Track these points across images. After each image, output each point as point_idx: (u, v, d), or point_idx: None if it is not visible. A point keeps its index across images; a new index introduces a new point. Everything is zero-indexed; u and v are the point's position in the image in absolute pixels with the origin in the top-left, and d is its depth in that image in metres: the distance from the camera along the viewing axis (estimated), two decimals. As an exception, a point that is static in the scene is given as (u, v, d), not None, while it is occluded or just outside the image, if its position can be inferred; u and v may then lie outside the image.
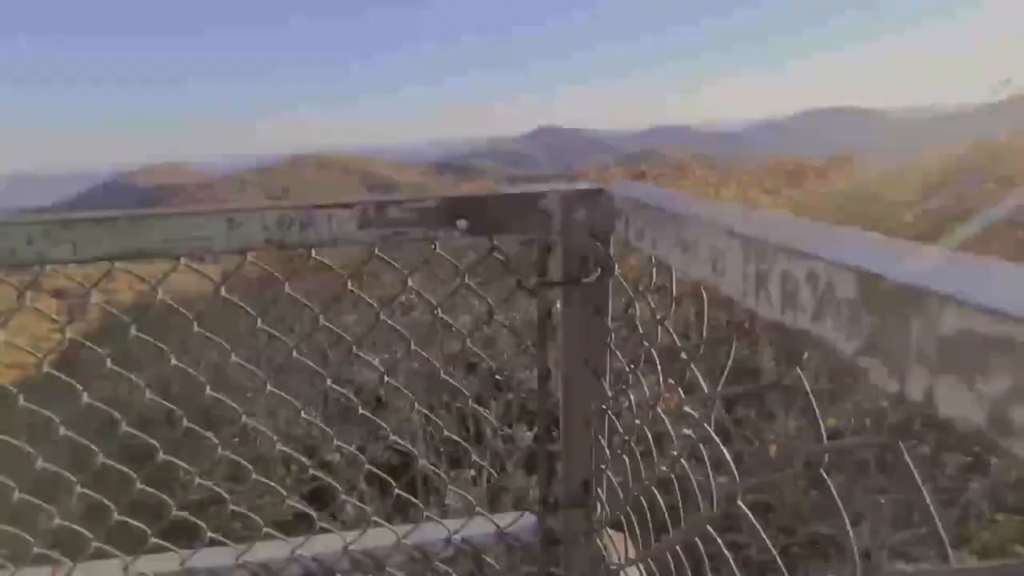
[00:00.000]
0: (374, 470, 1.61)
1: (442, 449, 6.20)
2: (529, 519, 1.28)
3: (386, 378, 1.52)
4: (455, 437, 1.62)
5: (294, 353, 1.44)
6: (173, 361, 1.50)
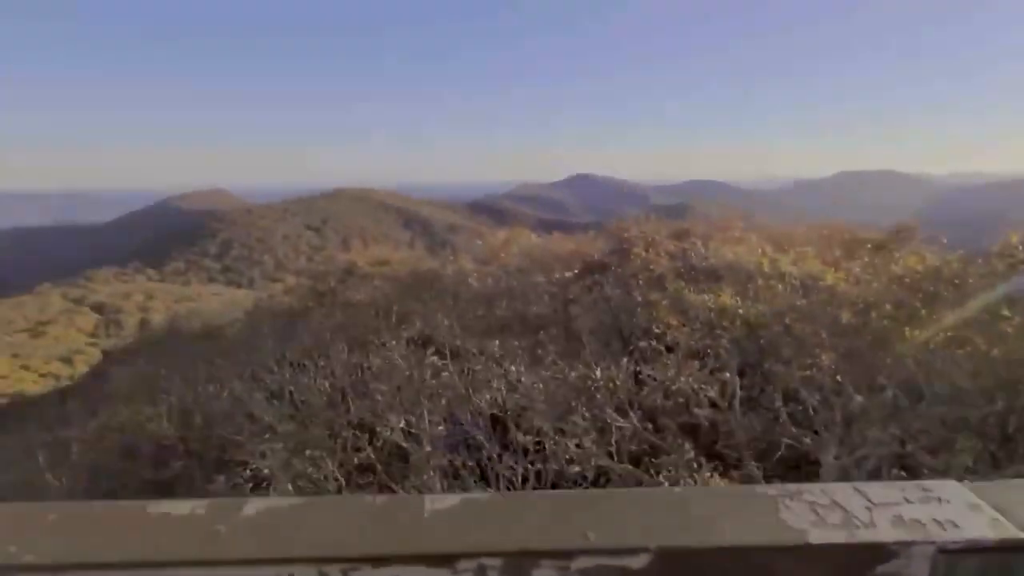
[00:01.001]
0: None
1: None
2: None
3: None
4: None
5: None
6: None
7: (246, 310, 25.27)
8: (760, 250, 7.65)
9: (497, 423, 5.65)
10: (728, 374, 6.51)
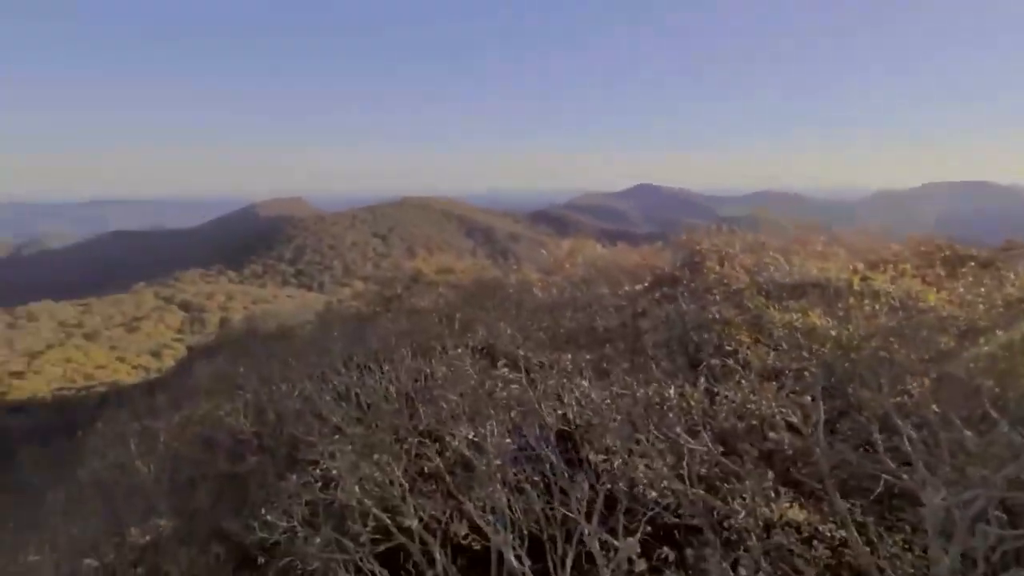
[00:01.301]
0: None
1: (526, 532, 5.67)
2: None
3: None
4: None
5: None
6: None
7: (317, 313, 26.42)
8: (851, 267, 7.09)
9: (564, 438, 5.51)
10: (811, 397, 6.06)
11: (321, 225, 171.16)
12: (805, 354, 5.60)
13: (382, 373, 10.85)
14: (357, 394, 10.84)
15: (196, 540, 9.03)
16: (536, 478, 5.19)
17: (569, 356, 6.14)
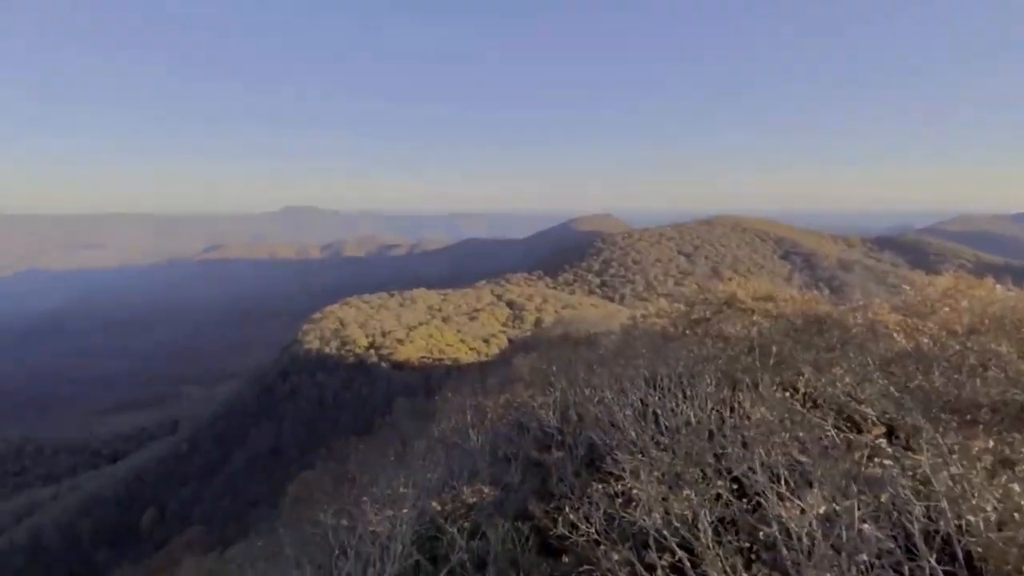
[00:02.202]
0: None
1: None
2: None
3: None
4: None
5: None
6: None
7: (622, 325, 27.39)
8: None
9: (937, 539, 4.00)
10: None
11: (628, 240, 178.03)
12: None
13: (684, 398, 10.35)
14: (656, 414, 10.62)
15: (507, 513, 10.31)
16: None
17: (991, 443, 4.43)
